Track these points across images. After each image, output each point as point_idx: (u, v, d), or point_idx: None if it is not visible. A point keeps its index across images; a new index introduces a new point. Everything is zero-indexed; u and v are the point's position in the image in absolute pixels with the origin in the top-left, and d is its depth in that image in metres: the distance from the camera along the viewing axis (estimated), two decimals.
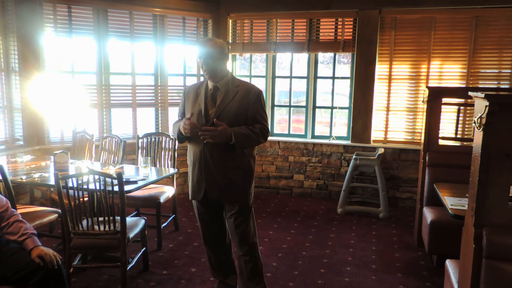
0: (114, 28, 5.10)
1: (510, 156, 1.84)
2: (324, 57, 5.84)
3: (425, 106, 3.94)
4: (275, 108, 5.93)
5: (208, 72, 2.55)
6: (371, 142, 5.38)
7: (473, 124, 1.95)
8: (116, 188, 2.79)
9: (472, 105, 3.97)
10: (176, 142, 4.26)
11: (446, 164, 3.77)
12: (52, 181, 3.27)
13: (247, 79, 5.71)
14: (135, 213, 4.29)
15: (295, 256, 3.71)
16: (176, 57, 5.61)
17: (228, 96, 2.58)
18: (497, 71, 5.00)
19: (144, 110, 5.60)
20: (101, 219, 2.91)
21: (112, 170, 3.54)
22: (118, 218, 2.85)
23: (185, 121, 2.50)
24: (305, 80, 5.72)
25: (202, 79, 5.76)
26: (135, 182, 3.25)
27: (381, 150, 4.98)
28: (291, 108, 5.86)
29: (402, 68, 5.24)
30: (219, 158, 2.57)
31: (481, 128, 1.86)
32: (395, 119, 5.34)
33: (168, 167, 4.27)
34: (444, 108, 4.10)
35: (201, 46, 2.56)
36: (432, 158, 3.86)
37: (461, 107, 4.61)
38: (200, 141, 2.53)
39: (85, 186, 2.81)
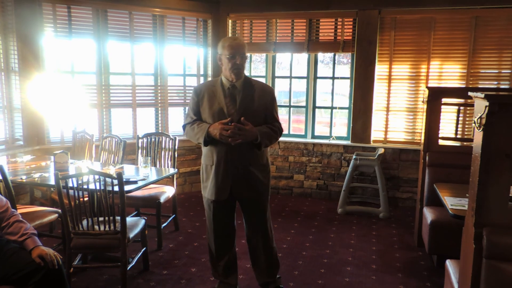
0: (113, 28, 5.10)
1: (510, 156, 1.85)
2: (324, 57, 5.84)
3: (425, 106, 3.94)
4: None
5: (237, 69, 2.59)
6: (371, 142, 5.38)
7: (473, 124, 1.95)
8: (116, 188, 2.79)
9: (472, 105, 3.97)
10: (176, 142, 4.26)
11: (446, 164, 3.77)
12: (52, 181, 3.27)
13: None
14: (135, 213, 4.29)
15: (295, 256, 3.71)
16: (176, 57, 5.61)
17: (247, 95, 2.64)
18: (496, 71, 5.01)
19: (144, 110, 5.60)
20: (101, 219, 2.91)
21: (112, 170, 3.54)
22: (118, 218, 2.85)
23: (224, 127, 2.49)
24: (305, 80, 5.72)
25: (202, 79, 5.78)
26: (135, 182, 3.25)
27: (381, 150, 4.98)
28: (291, 108, 5.87)
29: (402, 68, 5.24)
30: (244, 156, 2.63)
31: (481, 128, 1.86)
32: (395, 119, 5.35)
33: (168, 167, 4.27)
34: (444, 108, 4.10)
35: (234, 43, 2.58)
36: (432, 158, 3.86)
37: (461, 107, 4.61)
38: (225, 142, 2.55)
39: (85, 186, 2.82)
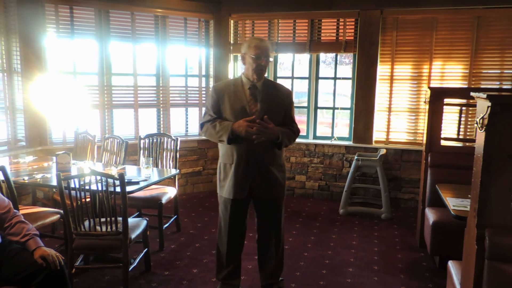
0: (115, 28, 5.11)
1: None
2: (326, 57, 5.84)
3: (427, 106, 3.94)
4: None
5: (261, 70, 2.64)
6: (373, 143, 5.37)
7: (475, 125, 1.94)
8: (118, 189, 2.79)
9: (474, 105, 3.96)
10: (178, 142, 4.27)
11: (448, 165, 3.77)
12: (54, 182, 3.28)
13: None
14: (137, 214, 4.29)
15: (297, 257, 3.71)
16: (178, 57, 5.61)
17: (267, 95, 2.69)
18: (499, 71, 4.99)
19: (146, 111, 5.61)
20: (103, 220, 2.91)
21: (114, 171, 3.55)
22: (120, 219, 2.85)
23: (250, 124, 2.52)
24: (306, 81, 5.72)
25: (204, 80, 5.79)
26: (137, 183, 3.26)
27: (383, 151, 4.97)
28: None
29: (404, 69, 5.23)
30: (264, 155, 2.67)
31: (483, 129, 1.86)
32: (397, 120, 5.34)
33: (170, 167, 4.28)
34: (446, 108, 4.09)
35: (261, 44, 2.62)
36: (434, 159, 3.85)
37: (463, 108, 4.60)
38: (246, 141, 2.59)
39: (87, 187, 2.82)
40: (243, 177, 2.67)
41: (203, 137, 5.81)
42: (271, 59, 2.70)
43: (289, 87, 5.77)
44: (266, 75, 6.03)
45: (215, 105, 2.72)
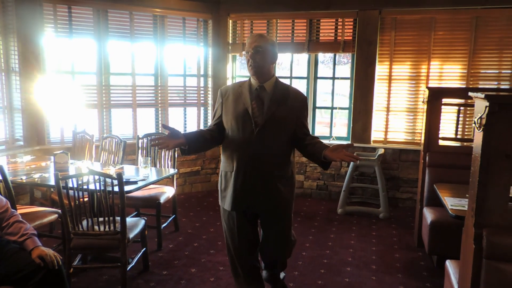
0: (114, 28, 5.10)
1: (510, 156, 1.84)
2: (324, 57, 5.84)
3: (425, 106, 3.94)
4: None
5: (254, 67, 2.38)
6: (371, 143, 5.38)
7: (473, 125, 1.95)
8: (116, 189, 2.79)
9: (472, 105, 3.98)
10: None
11: (446, 165, 3.77)
12: (52, 182, 3.28)
13: (247, 80, 5.71)
14: (135, 213, 4.29)
15: (295, 257, 3.71)
16: (176, 57, 5.61)
17: (277, 99, 2.43)
18: (497, 71, 5.00)
19: (144, 111, 5.60)
20: (101, 219, 2.91)
21: (112, 171, 3.54)
22: (118, 218, 2.85)
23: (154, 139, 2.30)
24: (305, 81, 5.72)
25: (202, 79, 5.78)
26: (135, 182, 3.25)
27: (381, 151, 4.98)
28: None
29: (402, 69, 5.24)
30: (266, 165, 2.41)
31: (481, 129, 1.86)
32: (395, 120, 5.34)
33: (168, 167, 4.27)
34: (444, 108, 4.10)
35: (254, 39, 2.39)
36: (432, 159, 3.86)
37: (461, 108, 4.61)
38: (249, 148, 2.38)
39: (85, 187, 2.82)
40: (242, 187, 2.41)
41: None
42: (260, 49, 2.35)
43: None
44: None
45: (219, 109, 2.52)
